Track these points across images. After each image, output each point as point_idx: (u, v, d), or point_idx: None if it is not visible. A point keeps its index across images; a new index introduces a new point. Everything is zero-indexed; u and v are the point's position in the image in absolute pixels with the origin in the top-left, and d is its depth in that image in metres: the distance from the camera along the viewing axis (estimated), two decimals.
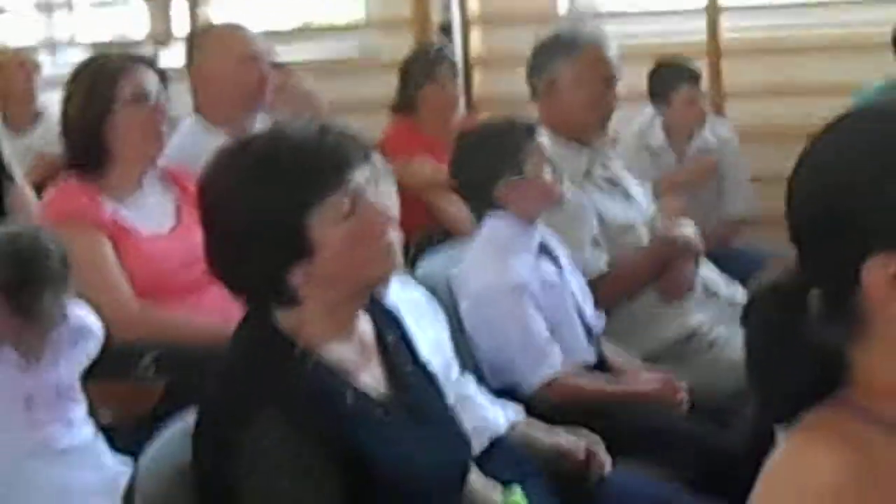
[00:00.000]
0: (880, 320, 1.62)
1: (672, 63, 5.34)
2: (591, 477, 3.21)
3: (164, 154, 3.97)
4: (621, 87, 4.37)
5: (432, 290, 3.53)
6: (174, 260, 3.69)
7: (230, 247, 2.40)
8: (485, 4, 6.42)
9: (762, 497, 1.61)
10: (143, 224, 3.80)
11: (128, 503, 2.29)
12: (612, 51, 4.33)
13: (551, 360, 3.56)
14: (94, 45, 4.49)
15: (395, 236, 2.41)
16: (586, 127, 4.29)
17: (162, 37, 6.74)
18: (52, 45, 6.53)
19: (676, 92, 5.23)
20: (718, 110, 5.79)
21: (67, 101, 3.94)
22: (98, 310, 3.49)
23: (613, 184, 4.33)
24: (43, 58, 6.30)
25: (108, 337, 3.50)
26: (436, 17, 6.33)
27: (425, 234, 4.69)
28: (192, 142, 4.00)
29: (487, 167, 3.67)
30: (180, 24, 6.73)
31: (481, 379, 3.45)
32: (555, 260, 3.74)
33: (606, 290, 3.95)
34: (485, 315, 3.58)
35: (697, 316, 4.16)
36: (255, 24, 4.61)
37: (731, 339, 3.93)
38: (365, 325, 2.50)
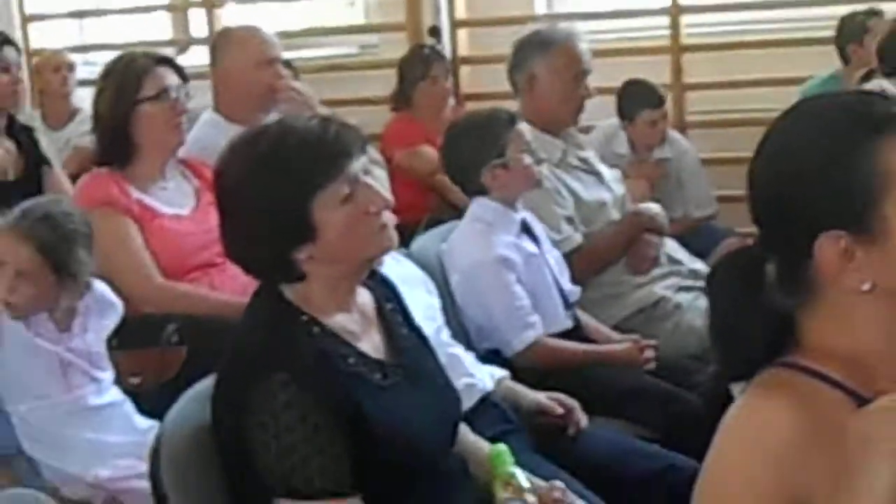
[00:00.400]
0: (830, 290, 1.63)
1: (639, 85, 5.30)
2: (568, 431, 3.21)
3: (184, 145, 3.95)
4: (592, 80, 4.34)
5: (425, 266, 3.53)
6: (193, 240, 3.69)
7: (242, 229, 2.40)
8: (470, 9, 6.41)
9: (721, 448, 1.61)
10: (165, 208, 3.79)
11: (154, 460, 2.28)
12: (584, 47, 4.32)
13: (532, 327, 3.57)
14: (122, 48, 4.44)
15: (389, 217, 2.41)
16: (561, 117, 4.30)
17: (182, 40, 6.72)
18: (84, 49, 6.49)
19: (640, 114, 5.21)
20: (681, 129, 5.78)
21: (98, 98, 3.93)
22: (126, 285, 3.54)
23: (586, 168, 4.33)
24: (77, 60, 6.27)
25: (135, 309, 3.52)
26: (427, 21, 6.32)
27: (436, 212, 4.66)
28: (210, 134, 3.98)
29: (473, 154, 3.67)
30: (198, 29, 6.71)
31: (469, 344, 3.45)
32: (534, 237, 3.75)
33: (581, 264, 3.96)
34: (472, 287, 3.59)
35: (662, 285, 4.15)
36: (264, 26, 4.56)
37: (693, 307, 3.94)
38: (365, 296, 2.50)
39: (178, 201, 3.84)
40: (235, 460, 2.27)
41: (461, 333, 3.48)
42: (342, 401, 2.24)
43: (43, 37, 6.73)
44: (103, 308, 3.27)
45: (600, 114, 5.11)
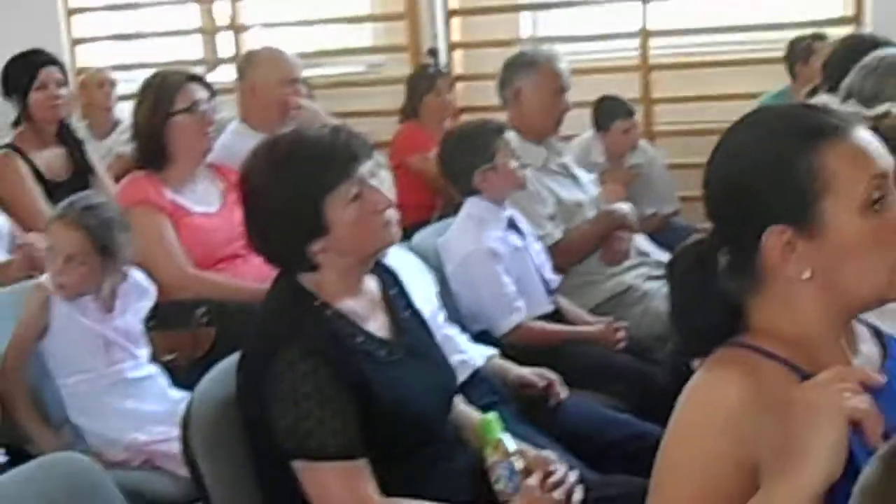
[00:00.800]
0: (775, 278, 1.63)
1: (612, 99, 5.30)
2: (550, 402, 3.21)
3: (212, 152, 3.95)
4: (570, 95, 4.34)
5: (424, 257, 3.53)
6: (220, 235, 3.68)
7: (264, 225, 2.41)
8: (464, 32, 6.41)
9: (678, 417, 1.61)
10: (195, 207, 3.79)
11: (185, 427, 2.27)
12: (564, 67, 4.32)
13: (518, 311, 3.57)
14: (158, 67, 4.44)
15: (393, 215, 2.41)
16: (544, 127, 4.29)
17: (210, 60, 6.71)
18: (125, 67, 6.48)
19: (613, 124, 5.20)
20: (649, 139, 5.77)
21: (136, 111, 3.94)
22: (161, 274, 3.52)
23: (565, 172, 4.32)
24: (118, 77, 6.26)
25: (170, 295, 3.52)
26: (426, 43, 6.31)
27: (445, 209, 4.65)
28: (235, 142, 3.97)
29: (466, 159, 3.67)
30: (225, 50, 6.70)
31: (463, 325, 3.44)
32: (520, 232, 3.74)
33: (560, 256, 3.96)
34: (465, 275, 3.59)
35: (632, 275, 4.16)
36: (283, 47, 4.56)
37: (659, 294, 3.93)
38: (371, 283, 2.50)
39: (207, 200, 3.84)
40: (257, 426, 2.27)
41: (455, 316, 3.46)
42: (351, 374, 2.24)
43: (88, 57, 6.72)
44: (140, 292, 3.27)
45: (578, 125, 5.10)
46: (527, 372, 3.25)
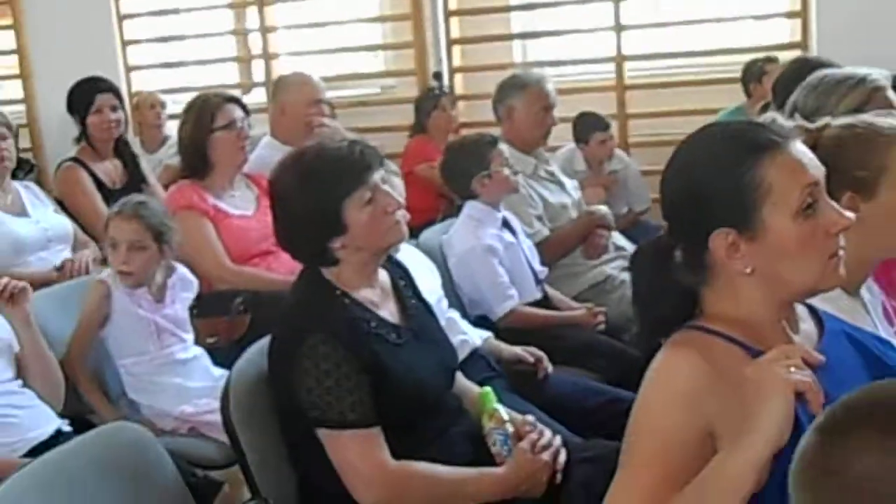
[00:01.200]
0: (722, 272, 1.64)
1: (591, 115, 5.30)
2: (538, 376, 3.22)
3: (247, 163, 3.95)
4: (556, 112, 4.35)
5: (429, 252, 3.53)
6: (254, 234, 3.68)
7: (290, 226, 2.42)
8: (464, 58, 6.40)
9: (643, 392, 1.62)
10: (233, 210, 3.79)
11: (224, 400, 2.28)
12: (550, 87, 4.32)
13: (511, 298, 3.56)
14: (200, 90, 4.45)
15: (402, 215, 2.42)
16: (533, 139, 4.28)
17: (246, 84, 6.71)
18: (172, 91, 6.49)
19: (593, 136, 5.20)
20: (625, 147, 5.77)
21: (182, 128, 3.95)
22: (203, 268, 3.55)
23: (552, 178, 4.32)
24: (166, 99, 6.27)
25: (211, 287, 3.55)
26: (432, 68, 6.31)
27: (448, 211, 4.65)
28: (267, 154, 3.97)
29: (465, 168, 3.68)
30: (258, 75, 6.70)
31: (463, 311, 3.45)
32: (512, 230, 3.74)
33: (548, 250, 3.95)
34: (465, 268, 3.59)
35: (610, 267, 4.16)
36: (308, 73, 4.57)
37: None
38: (384, 275, 2.50)
39: (243, 205, 3.84)
40: (285, 399, 2.28)
41: (457, 303, 3.47)
42: (366, 354, 2.24)
43: (141, 82, 6.73)
44: (185, 285, 3.28)
45: (563, 137, 5.10)
46: (518, 350, 3.26)
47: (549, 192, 4.20)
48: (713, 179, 1.61)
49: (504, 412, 2.45)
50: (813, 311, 1.76)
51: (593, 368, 3.36)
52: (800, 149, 1.63)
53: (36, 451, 2.59)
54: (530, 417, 2.52)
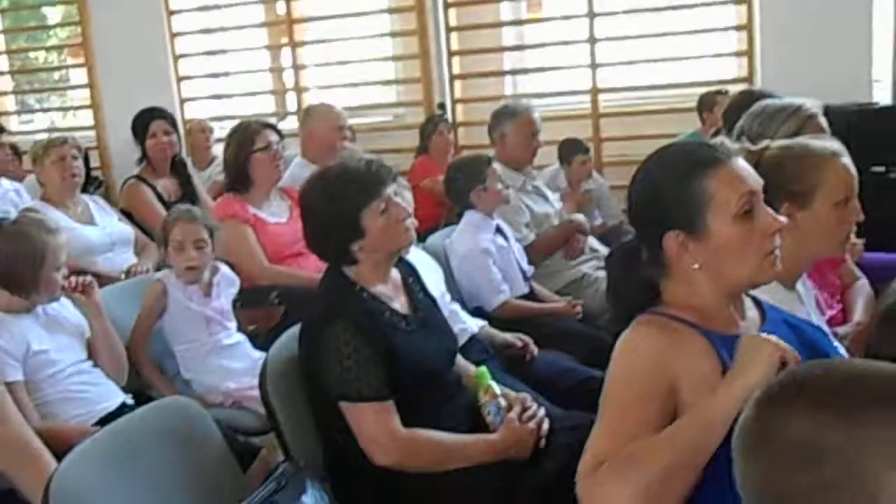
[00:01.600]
0: (677, 267, 1.65)
1: (572, 140, 5.29)
2: (526, 358, 3.22)
3: (282, 179, 3.96)
4: (542, 137, 4.35)
5: (434, 254, 3.53)
6: (287, 238, 3.68)
7: (317, 231, 2.42)
8: (464, 91, 6.39)
9: (613, 364, 1.62)
10: (270, 219, 3.79)
11: (262, 378, 2.29)
12: (537, 115, 4.31)
13: (503, 292, 3.56)
14: (242, 118, 4.48)
15: (411, 222, 2.42)
16: (522, 159, 4.27)
17: (280, 112, 6.72)
18: (219, 118, 6.50)
19: (575, 158, 5.19)
20: (598, 169, 5.75)
21: (226, 150, 3.95)
22: (245, 267, 3.57)
23: (537, 192, 4.31)
24: (214, 125, 6.28)
25: (251, 283, 3.54)
26: (436, 99, 6.31)
27: (449, 219, 4.65)
28: (298, 172, 3.98)
29: (465, 183, 3.68)
30: (291, 105, 6.71)
31: (463, 303, 3.44)
32: (505, 235, 3.73)
33: (534, 252, 3.95)
34: (465, 267, 3.58)
35: (586, 266, 4.14)
36: (333, 103, 4.58)
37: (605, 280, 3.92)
38: (396, 273, 2.50)
39: (278, 214, 3.84)
40: (313, 377, 2.28)
41: (457, 296, 3.46)
42: (381, 339, 2.25)
43: (193, 111, 6.74)
44: (228, 282, 3.28)
45: (546, 157, 5.09)
46: (509, 336, 3.26)
47: (535, 203, 4.19)
48: (667, 189, 1.63)
49: (497, 388, 2.46)
50: (757, 301, 1.77)
51: (571, 351, 3.35)
52: (740, 164, 1.64)
53: (104, 421, 2.60)
54: (522, 394, 2.53)
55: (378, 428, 2.21)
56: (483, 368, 2.52)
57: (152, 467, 1.91)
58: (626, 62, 6.15)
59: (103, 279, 3.44)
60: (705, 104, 5.42)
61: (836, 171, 2.08)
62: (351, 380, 2.19)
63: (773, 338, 1.51)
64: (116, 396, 2.80)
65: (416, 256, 2.92)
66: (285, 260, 3.69)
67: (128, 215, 4.40)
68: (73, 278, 2.81)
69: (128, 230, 4.20)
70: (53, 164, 4.03)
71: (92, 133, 6.82)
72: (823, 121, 2.71)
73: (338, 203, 2.34)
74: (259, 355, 3.03)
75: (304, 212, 2.44)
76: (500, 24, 6.47)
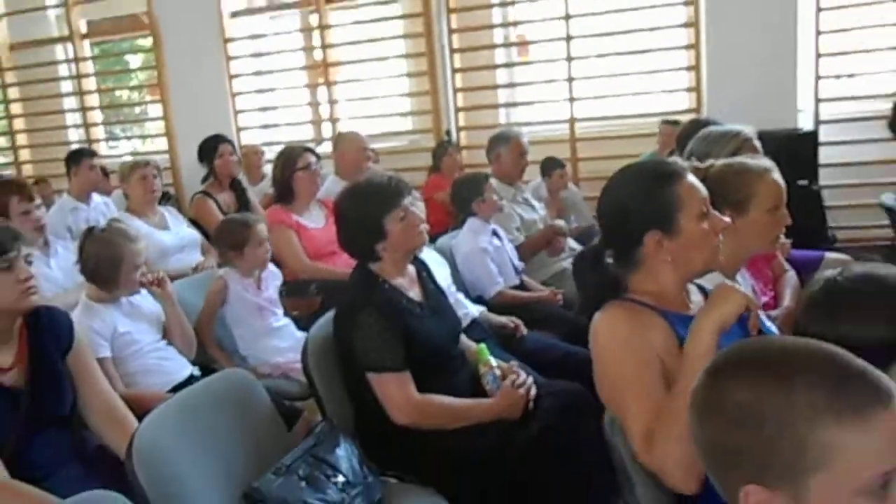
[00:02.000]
0: (646, 262, 1.63)
1: (552, 159, 5.24)
2: (517, 336, 3.21)
3: (319, 192, 3.94)
4: (529, 157, 4.34)
5: (443, 252, 3.51)
6: (324, 240, 3.67)
7: (348, 234, 2.41)
8: (467, 120, 6.39)
9: (598, 348, 1.60)
10: (310, 224, 3.78)
11: (304, 354, 2.29)
12: (525, 140, 4.30)
13: (499, 284, 3.54)
14: (286, 143, 4.49)
15: (424, 227, 2.42)
16: (513, 176, 4.25)
17: (318, 138, 6.71)
18: (269, 144, 6.49)
19: (553, 172, 5.15)
20: (574, 182, 5.72)
21: (274, 169, 3.95)
22: (289, 264, 3.59)
23: (526, 202, 4.29)
24: (265, 149, 6.28)
25: (294, 276, 3.54)
26: (444, 127, 6.31)
27: (454, 225, 4.63)
28: (332, 187, 3.99)
29: (467, 195, 3.65)
30: (326, 133, 6.70)
31: (466, 293, 3.43)
32: (499, 237, 3.71)
33: (523, 251, 3.92)
34: (467, 263, 3.56)
35: (565, 262, 4.12)
36: (361, 131, 4.57)
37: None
38: (411, 269, 2.49)
39: (317, 221, 3.83)
40: (345, 352, 2.28)
41: (462, 287, 3.45)
42: (400, 322, 2.24)
43: (248, 137, 6.74)
44: (273, 276, 3.26)
45: (533, 175, 5.08)
46: (504, 319, 3.24)
47: (524, 211, 4.17)
48: (644, 197, 1.61)
49: (493, 361, 2.45)
50: (702, 288, 1.76)
51: (554, 331, 3.33)
52: (693, 178, 1.65)
53: (176, 389, 2.61)
54: (514, 362, 2.52)
55: (398, 394, 2.20)
56: (482, 345, 2.51)
57: (214, 426, 1.91)
58: (597, 97, 6.13)
59: (176, 275, 3.44)
60: (661, 131, 5.41)
61: (768, 184, 2.07)
62: (376, 355, 2.19)
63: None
64: (186, 369, 2.80)
65: (428, 255, 2.92)
66: (322, 258, 3.68)
67: (194, 223, 4.40)
68: (150, 274, 2.81)
69: (195, 235, 4.20)
70: (138, 182, 4.04)
71: (166, 156, 6.82)
72: (758, 143, 2.70)
73: (365, 211, 2.34)
74: (301, 335, 3.03)
75: (338, 218, 2.44)
76: (496, 66, 6.45)
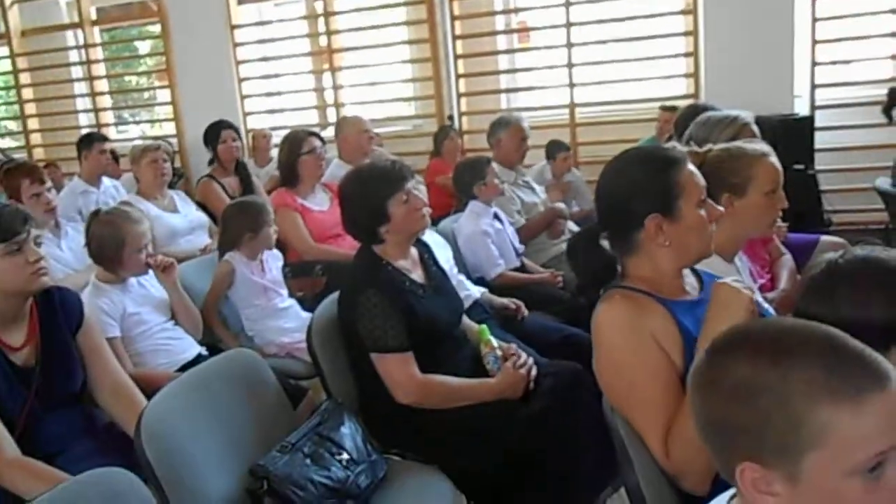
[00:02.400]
0: (643, 246, 1.61)
1: (556, 141, 5.22)
2: (518, 317, 3.19)
3: (324, 176, 3.92)
4: (530, 141, 4.30)
5: (445, 235, 3.49)
6: (328, 223, 3.65)
7: (352, 217, 2.39)
8: (469, 106, 6.36)
9: (601, 341, 1.57)
10: (315, 207, 3.76)
11: (309, 334, 2.28)
12: (526, 125, 4.26)
13: (500, 265, 3.53)
14: (292, 128, 4.46)
15: (426, 210, 2.40)
16: (514, 160, 4.22)
17: (322, 123, 6.68)
18: (275, 128, 6.47)
19: (557, 154, 5.12)
20: (576, 165, 5.67)
21: (280, 153, 3.91)
22: (295, 245, 3.58)
23: (527, 185, 4.26)
24: (271, 133, 6.26)
25: (300, 258, 3.53)
26: (447, 112, 6.28)
27: (457, 208, 4.60)
28: (336, 170, 3.97)
29: (468, 178, 3.63)
30: (331, 117, 6.67)
31: (467, 274, 3.42)
32: (500, 220, 3.69)
33: (524, 234, 3.90)
34: (469, 245, 3.55)
35: (565, 245, 4.04)
36: (364, 116, 4.54)
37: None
38: (414, 251, 2.48)
39: (321, 204, 3.80)
40: (349, 332, 2.27)
41: (463, 269, 3.44)
42: (402, 303, 2.23)
43: (255, 122, 6.72)
44: (274, 257, 3.24)
45: (534, 159, 5.04)
46: (505, 300, 3.23)
47: (524, 194, 4.15)
48: (647, 181, 1.58)
49: (495, 341, 2.44)
50: (695, 271, 1.74)
51: (554, 312, 3.32)
52: (692, 165, 1.63)
53: (184, 368, 2.60)
54: (513, 344, 2.52)
55: (401, 373, 2.20)
56: (484, 326, 2.50)
57: (222, 405, 1.90)
58: (597, 82, 6.09)
59: (185, 256, 3.43)
60: (660, 116, 5.37)
61: (765, 167, 2.06)
62: (379, 335, 2.18)
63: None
64: (193, 348, 2.79)
65: (430, 237, 2.91)
66: (327, 240, 3.66)
67: (200, 206, 4.39)
68: (159, 257, 2.80)
69: (204, 217, 4.20)
70: (148, 165, 4.03)
71: (175, 140, 6.80)
72: (755, 128, 2.68)
73: (368, 194, 2.32)
74: (306, 316, 3.02)
75: (342, 201, 2.42)
76: (497, 52, 6.41)
